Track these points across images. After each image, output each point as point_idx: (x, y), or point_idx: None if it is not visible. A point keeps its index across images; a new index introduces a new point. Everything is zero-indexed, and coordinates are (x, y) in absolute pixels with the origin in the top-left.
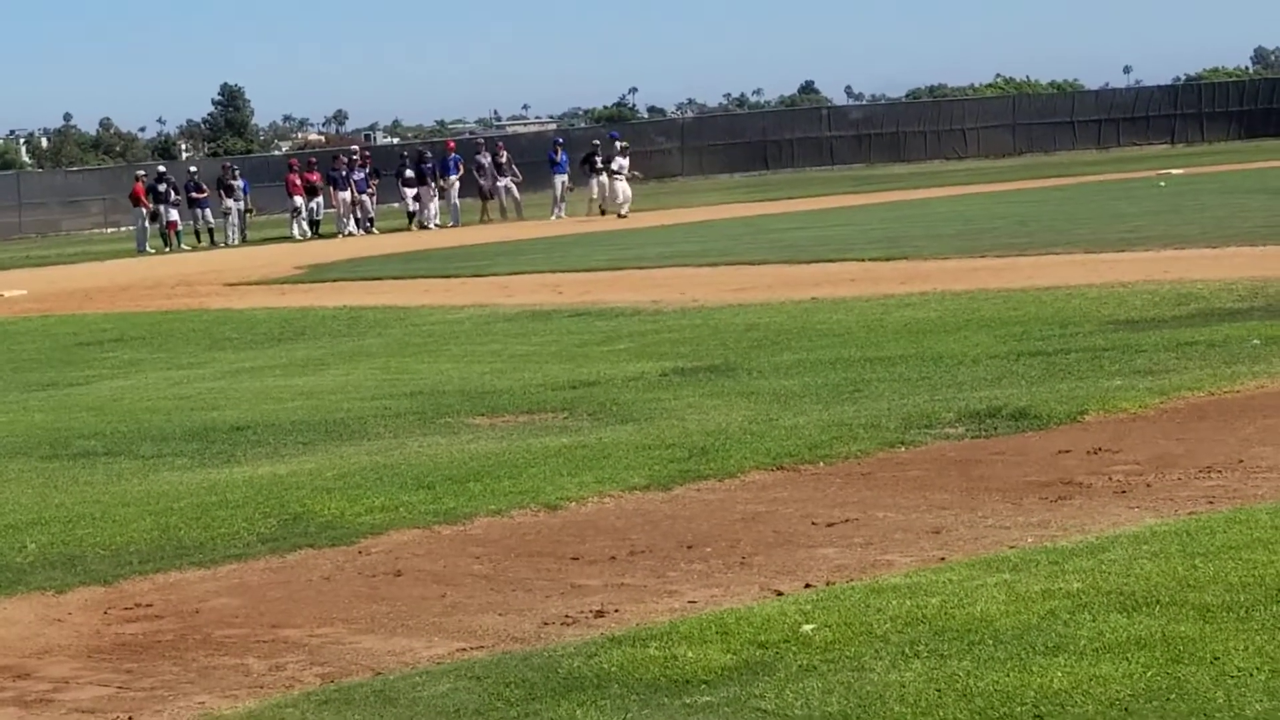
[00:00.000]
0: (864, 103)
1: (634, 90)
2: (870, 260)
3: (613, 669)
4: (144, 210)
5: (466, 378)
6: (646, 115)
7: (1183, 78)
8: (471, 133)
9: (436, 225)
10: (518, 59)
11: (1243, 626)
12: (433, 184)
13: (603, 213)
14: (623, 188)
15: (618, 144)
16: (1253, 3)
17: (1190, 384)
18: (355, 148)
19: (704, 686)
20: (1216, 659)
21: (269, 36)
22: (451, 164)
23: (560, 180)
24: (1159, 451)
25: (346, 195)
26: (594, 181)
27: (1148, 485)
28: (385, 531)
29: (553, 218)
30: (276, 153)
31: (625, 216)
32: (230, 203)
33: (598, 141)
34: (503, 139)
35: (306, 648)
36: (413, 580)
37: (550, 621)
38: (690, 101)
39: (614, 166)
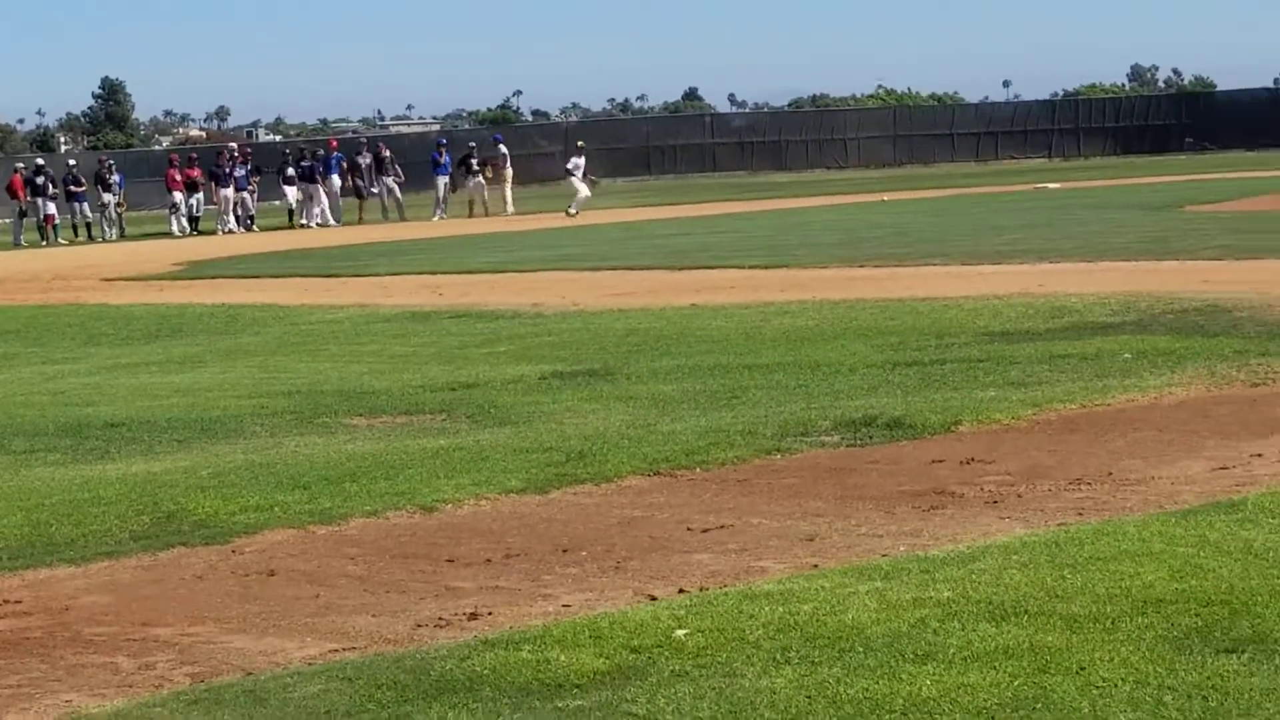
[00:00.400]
0: (747, 110)
1: (518, 93)
2: (751, 268)
3: (485, 672)
4: (19, 203)
5: (345, 378)
6: (531, 118)
7: (1061, 93)
8: (355, 132)
9: (319, 224)
10: (402, 59)
11: (1109, 638)
12: (320, 183)
13: (486, 213)
14: (579, 185)
15: (578, 144)
16: (1130, 21)
17: (1062, 396)
18: (234, 145)
19: (576, 690)
20: (1082, 669)
21: (152, 30)
22: (334, 163)
23: (443, 182)
24: (1030, 463)
25: (229, 192)
26: (470, 183)
27: (1019, 496)
28: (259, 531)
29: (434, 219)
30: (157, 148)
31: (574, 214)
32: (108, 197)
33: (473, 144)
34: (386, 139)
35: (177, 647)
36: (286, 580)
37: (424, 623)
38: (575, 105)
39: (570, 166)
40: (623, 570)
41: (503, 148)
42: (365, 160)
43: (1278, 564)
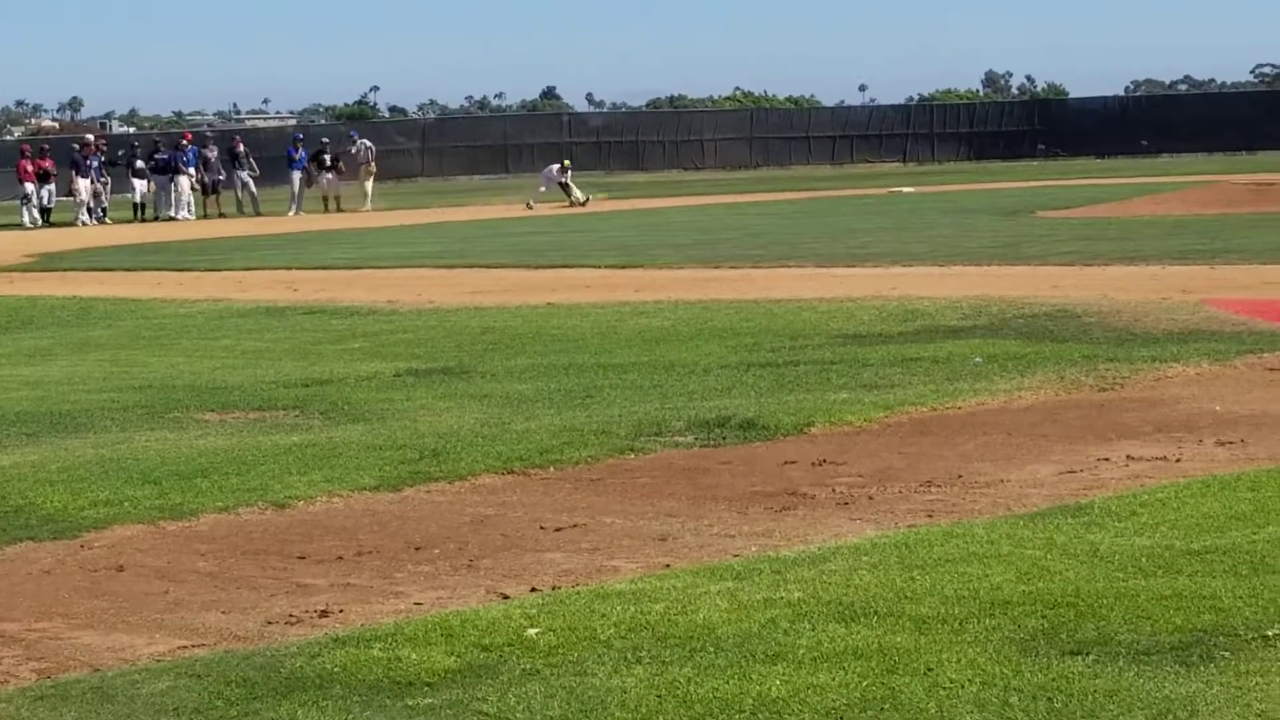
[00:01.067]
0: (605, 110)
1: (375, 89)
2: (607, 267)
3: (336, 669)
4: None
5: (197, 373)
6: (388, 114)
7: (916, 98)
8: (209, 125)
9: (184, 217)
10: (259, 52)
11: (956, 639)
12: (179, 175)
13: (339, 209)
14: (552, 183)
15: (564, 163)
16: (983, 27)
17: (914, 399)
18: (90, 136)
19: (427, 688)
20: (930, 670)
21: (3, 18)
22: (191, 155)
23: (298, 177)
24: (882, 464)
25: (88, 183)
26: (325, 179)
27: (870, 497)
28: (109, 526)
29: (290, 214)
30: (9, 138)
31: (585, 202)
32: None
33: (326, 139)
34: (241, 133)
35: (23, 642)
36: (135, 576)
37: (274, 620)
38: (432, 102)
39: (565, 169)
40: (475, 569)
41: (367, 142)
42: (212, 153)
43: (1123, 567)
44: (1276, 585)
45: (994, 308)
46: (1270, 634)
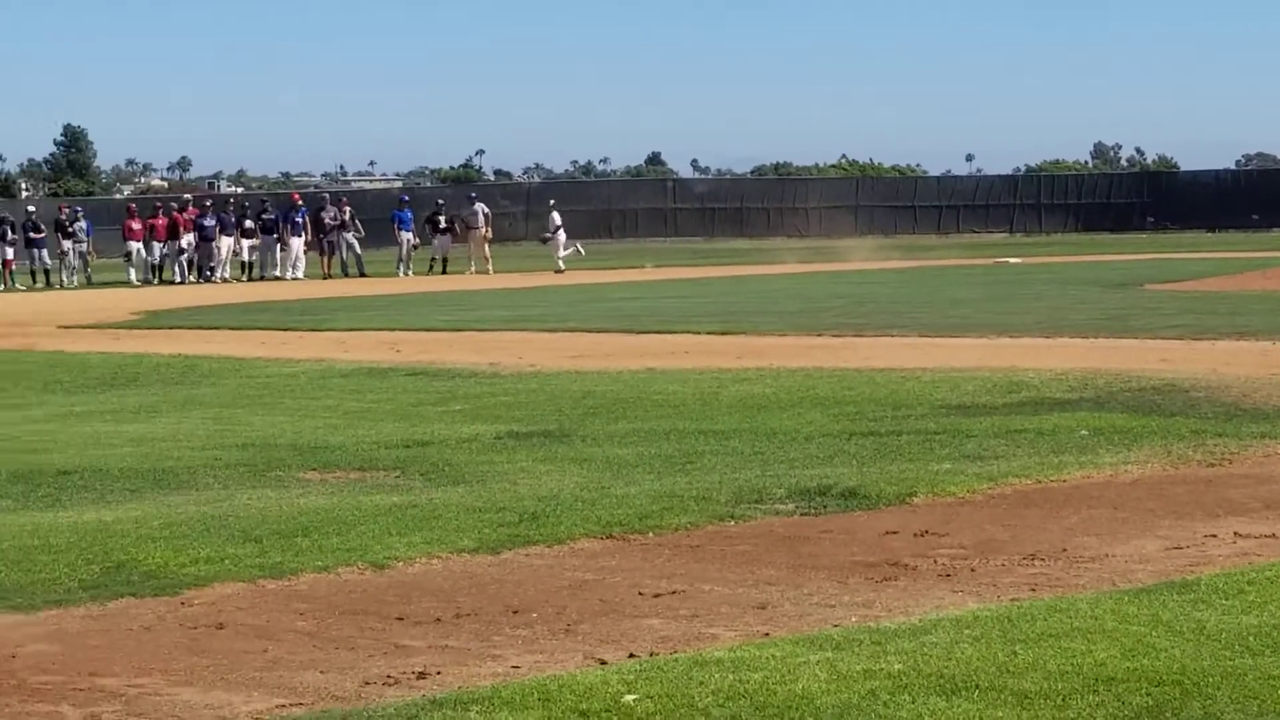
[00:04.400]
0: (709, 176)
1: (481, 152)
2: (707, 333)
3: None
4: None
5: (299, 432)
6: (493, 178)
7: (1023, 168)
8: (317, 186)
9: (279, 277)
10: (365, 114)
11: (1059, 715)
12: (286, 236)
13: (444, 271)
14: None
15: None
16: (1093, 100)
17: (1018, 471)
18: (189, 194)
19: None
20: None
21: (115, 78)
22: (300, 216)
23: (406, 238)
24: (985, 537)
25: (230, 241)
26: (435, 240)
27: (972, 570)
28: (209, 584)
29: (399, 275)
30: (118, 196)
31: (563, 271)
32: (68, 244)
33: (442, 200)
34: (348, 194)
35: (123, 698)
36: (234, 634)
37: (372, 681)
38: (537, 166)
39: (556, 222)
40: (573, 633)
41: (482, 205)
42: (328, 215)
43: (1230, 645)
44: None
45: (1100, 380)
46: None
